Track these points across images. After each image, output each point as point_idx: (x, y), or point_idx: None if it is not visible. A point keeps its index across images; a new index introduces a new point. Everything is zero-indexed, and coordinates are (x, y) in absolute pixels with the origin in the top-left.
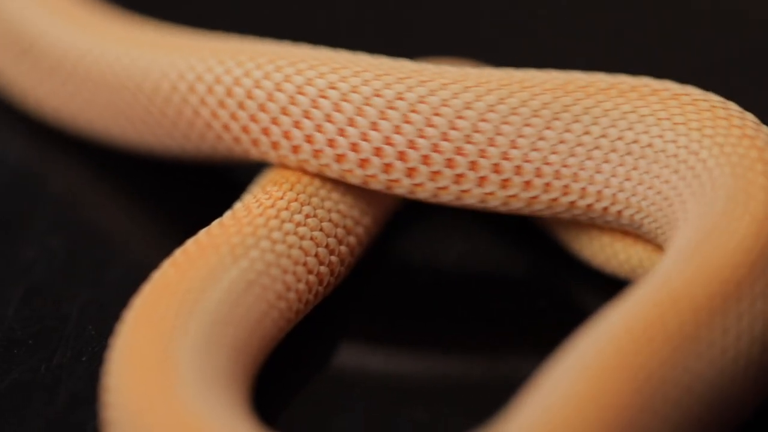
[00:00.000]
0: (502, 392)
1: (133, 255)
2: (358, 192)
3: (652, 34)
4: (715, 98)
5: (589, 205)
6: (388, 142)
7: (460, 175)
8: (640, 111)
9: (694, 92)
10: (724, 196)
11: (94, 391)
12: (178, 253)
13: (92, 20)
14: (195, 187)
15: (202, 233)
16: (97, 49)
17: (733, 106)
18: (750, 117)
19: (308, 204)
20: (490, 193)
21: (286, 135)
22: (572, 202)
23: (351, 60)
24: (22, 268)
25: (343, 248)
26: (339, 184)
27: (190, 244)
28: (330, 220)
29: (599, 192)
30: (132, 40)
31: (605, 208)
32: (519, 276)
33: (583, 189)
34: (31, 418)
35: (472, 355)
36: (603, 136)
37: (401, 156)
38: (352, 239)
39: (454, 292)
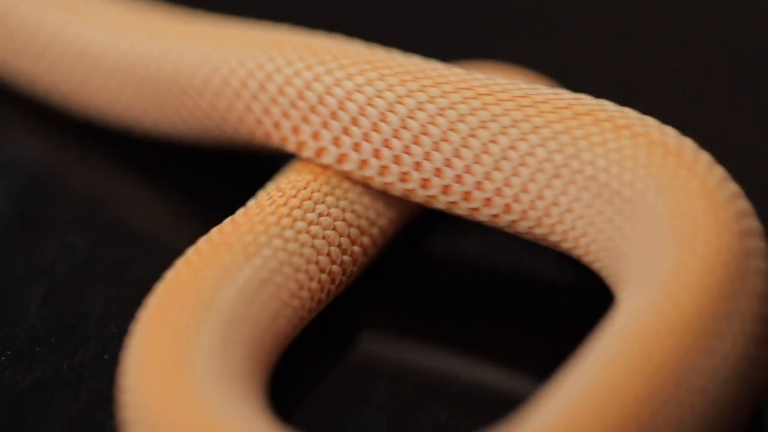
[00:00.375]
0: (521, 391)
1: (155, 253)
2: (375, 194)
3: (652, 34)
4: (632, 114)
5: (514, 221)
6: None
7: (405, 173)
8: (553, 127)
9: (609, 108)
10: (667, 213)
11: (116, 391)
12: (191, 252)
13: (126, 15)
14: (216, 182)
15: (215, 231)
16: (140, 46)
17: (651, 122)
18: (670, 131)
19: (322, 203)
20: (433, 197)
21: (336, 141)
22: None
23: (399, 62)
24: (44, 266)
25: (356, 248)
26: (355, 184)
27: (203, 242)
28: (344, 220)
29: (507, 205)
30: (172, 33)
31: (530, 228)
32: (538, 274)
33: (509, 206)
34: (54, 416)
35: (490, 353)
36: (511, 148)
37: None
38: (366, 240)
39: (473, 290)
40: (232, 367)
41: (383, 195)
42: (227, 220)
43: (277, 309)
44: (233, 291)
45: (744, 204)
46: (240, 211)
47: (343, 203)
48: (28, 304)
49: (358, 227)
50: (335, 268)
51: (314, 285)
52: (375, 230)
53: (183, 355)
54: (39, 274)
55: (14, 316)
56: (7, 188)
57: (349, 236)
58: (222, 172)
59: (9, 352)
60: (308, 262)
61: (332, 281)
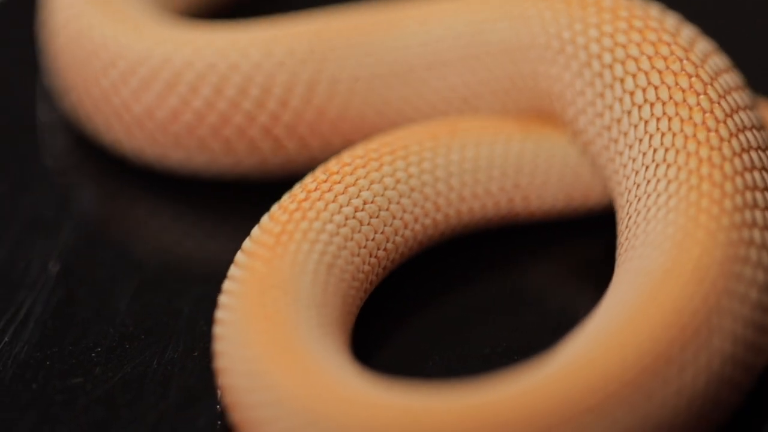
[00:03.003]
0: None
1: None
2: (429, 193)
3: None
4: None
5: None
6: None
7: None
8: None
9: None
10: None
11: (206, 386)
12: (254, 245)
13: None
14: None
15: (266, 219)
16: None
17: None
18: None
19: (367, 190)
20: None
21: None
22: None
23: None
24: (135, 263)
25: (398, 239)
26: (409, 179)
27: (260, 233)
28: (388, 209)
29: None
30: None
31: None
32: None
33: None
34: (144, 412)
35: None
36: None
37: None
38: (407, 233)
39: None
40: (333, 347)
41: (438, 196)
42: (275, 207)
43: (345, 290)
44: (309, 276)
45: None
46: (286, 197)
47: (390, 194)
48: (118, 301)
49: (402, 219)
50: (381, 253)
51: (367, 268)
52: (418, 227)
53: (299, 346)
54: (130, 272)
55: (105, 313)
56: (99, 187)
57: (392, 226)
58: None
59: (99, 349)
60: (359, 246)
61: (379, 265)
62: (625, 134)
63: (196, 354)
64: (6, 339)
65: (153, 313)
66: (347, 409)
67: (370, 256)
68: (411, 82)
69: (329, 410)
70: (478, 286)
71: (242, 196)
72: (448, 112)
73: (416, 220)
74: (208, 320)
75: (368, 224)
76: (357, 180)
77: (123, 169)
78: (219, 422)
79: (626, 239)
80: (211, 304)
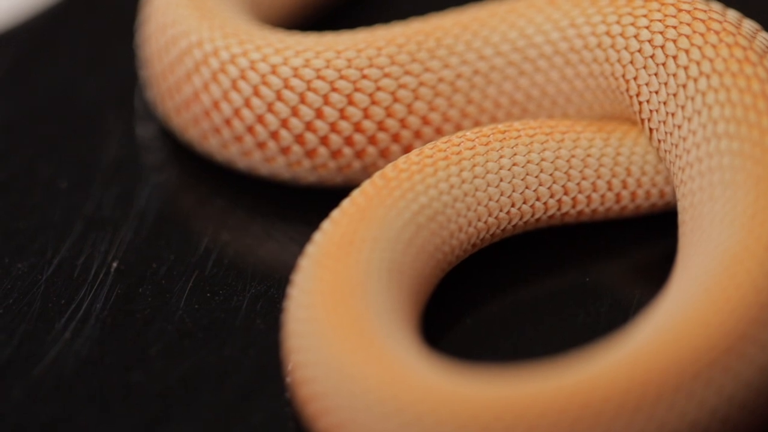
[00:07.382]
0: None
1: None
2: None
3: None
4: None
5: None
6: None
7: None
8: None
9: None
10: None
11: (262, 384)
12: (321, 252)
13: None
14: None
15: (328, 225)
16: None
17: None
18: None
19: (424, 194)
20: None
21: None
22: None
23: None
24: (194, 261)
25: (454, 241)
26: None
27: (325, 240)
28: (444, 213)
29: None
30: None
31: None
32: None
33: None
34: (200, 409)
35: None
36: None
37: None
38: (462, 236)
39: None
40: (411, 350)
41: (489, 200)
42: (337, 213)
43: (410, 292)
44: (378, 282)
45: None
46: (346, 202)
47: (445, 198)
48: (177, 298)
49: (457, 223)
50: (439, 255)
51: (428, 270)
52: (471, 230)
53: (376, 347)
54: (188, 270)
55: (164, 310)
56: (158, 186)
57: (448, 229)
58: None
59: (158, 346)
60: (419, 249)
61: (437, 266)
62: (683, 107)
63: (252, 352)
64: (67, 335)
65: (210, 311)
66: (424, 397)
67: (430, 258)
68: (497, 82)
69: (408, 399)
70: (528, 286)
71: (298, 196)
72: (537, 114)
73: (470, 224)
74: (265, 319)
75: (426, 228)
76: (414, 185)
77: (183, 168)
78: (274, 419)
79: (690, 218)
80: (268, 302)
